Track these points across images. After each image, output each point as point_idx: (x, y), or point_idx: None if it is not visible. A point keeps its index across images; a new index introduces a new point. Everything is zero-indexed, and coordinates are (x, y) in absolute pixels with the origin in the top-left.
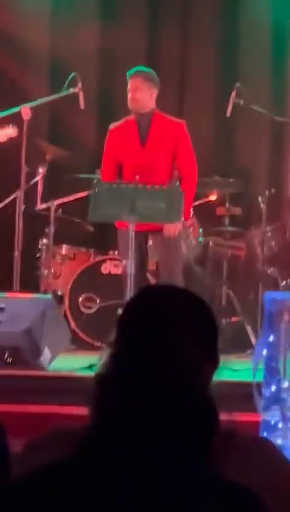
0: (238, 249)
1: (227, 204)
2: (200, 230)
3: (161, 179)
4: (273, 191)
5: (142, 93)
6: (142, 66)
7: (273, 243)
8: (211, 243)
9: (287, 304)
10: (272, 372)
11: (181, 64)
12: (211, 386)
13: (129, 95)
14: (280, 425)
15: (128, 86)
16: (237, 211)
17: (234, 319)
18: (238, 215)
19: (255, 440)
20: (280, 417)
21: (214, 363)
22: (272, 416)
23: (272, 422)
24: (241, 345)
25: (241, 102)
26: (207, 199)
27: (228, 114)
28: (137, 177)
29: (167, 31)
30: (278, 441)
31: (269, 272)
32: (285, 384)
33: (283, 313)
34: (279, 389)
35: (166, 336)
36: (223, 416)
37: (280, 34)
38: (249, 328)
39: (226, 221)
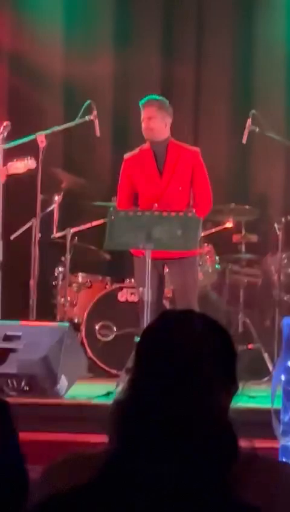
0: (255, 276)
1: (243, 232)
2: (217, 257)
3: (178, 206)
4: (289, 217)
5: (156, 122)
6: (154, 95)
7: (289, 270)
8: (227, 270)
9: None
10: None
11: (196, 91)
12: (230, 412)
13: (143, 125)
14: None
15: (142, 115)
16: (253, 238)
17: (250, 346)
18: (254, 242)
19: (275, 464)
20: None
21: (233, 388)
22: None
23: None
24: (258, 371)
25: (257, 129)
26: (223, 226)
27: (244, 141)
28: (156, 205)
29: (181, 58)
30: None
31: (285, 298)
32: None
33: None
34: None
35: (184, 361)
36: (243, 443)
37: None
38: (266, 355)
39: (243, 248)
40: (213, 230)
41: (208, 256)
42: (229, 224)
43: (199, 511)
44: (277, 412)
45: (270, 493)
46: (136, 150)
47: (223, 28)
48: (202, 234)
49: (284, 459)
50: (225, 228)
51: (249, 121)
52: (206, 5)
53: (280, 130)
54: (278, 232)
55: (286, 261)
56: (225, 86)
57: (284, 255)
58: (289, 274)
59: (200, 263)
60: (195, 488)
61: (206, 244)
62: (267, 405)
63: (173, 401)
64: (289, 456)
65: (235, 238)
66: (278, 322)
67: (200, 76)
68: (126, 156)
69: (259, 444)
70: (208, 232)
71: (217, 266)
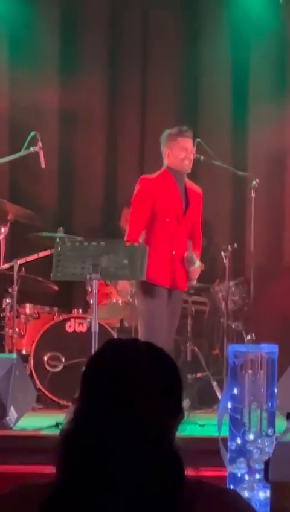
0: (203, 304)
1: None
2: None
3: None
4: (235, 245)
5: (192, 156)
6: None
7: (237, 298)
8: None
9: (251, 357)
10: (237, 425)
11: (141, 121)
12: (177, 441)
13: (184, 155)
14: (247, 477)
15: (184, 145)
16: (201, 266)
17: (199, 374)
18: (201, 271)
19: (221, 491)
20: (246, 469)
21: (178, 417)
22: (239, 468)
23: (239, 475)
24: (208, 400)
25: (202, 158)
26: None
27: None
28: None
29: (126, 89)
30: (245, 493)
31: (233, 326)
32: (250, 437)
33: (247, 365)
34: (244, 442)
35: (128, 391)
36: (190, 471)
37: (240, 90)
38: (214, 383)
39: None
40: None
41: None
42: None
43: None
44: (224, 440)
45: None
46: (155, 175)
47: (168, 57)
48: None
49: (231, 486)
50: None
51: (194, 149)
52: (151, 35)
53: (225, 158)
54: (225, 260)
55: (233, 288)
56: (170, 115)
57: (231, 283)
58: (236, 302)
59: None
60: None
61: None
62: (216, 433)
63: (116, 431)
64: (237, 483)
65: None
66: (226, 350)
67: (146, 107)
68: (147, 178)
69: (207, 472)
70: None
71: None
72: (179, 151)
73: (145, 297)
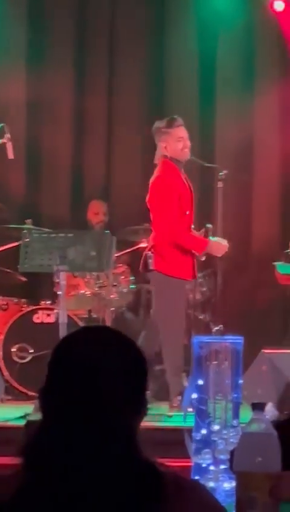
0: None
1: None
2: (132, 277)
3: None
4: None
5: (189, 142)
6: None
7: (204, 289)
8: (142, 290)
9: (215, 348)
10: (202, 415)
11: (108, 114)
12: (142, 432)
13: (183, 144)
14: (212, 468)
15: (179, 134)
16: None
17: None
18: None
19: (186, 482)
20: (211, 460)
21: (143, 408)
22: (204, 459)
23: (204, 465)
24: None
25: None
26: (138, 246)
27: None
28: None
29: (94, 82)
30: (210, 484)
31: (201, 317)
32: (215, 427)
33: (211, 356)
34: (209, 432)
35: (93, 380)
36: (156, 462)
37: (207, 81)
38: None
39: None
40: (127, 250)
41: (122, 277)
42: (143, 244)
43: None
44: (190, 431)
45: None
46: (167, 169)
47: (135, 47)
48: (116, 254)
49: (196, 477)
50: (139, 248)
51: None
52: (118, 24)
53: (193, 150)
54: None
55: (200, 280)
56: (137, 105)
57: (199, 274)
58: (204, 293)
59: (115, 284)
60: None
61: (120, 264)
62: (182, 424)
63: (79, 421)
64: (202, 473)
65: None
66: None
67: (113, 99)
68: (168, 173)
69: (173, 462)
70: (122, 252)
71: (131, 286)
72: (175, 143)
73: (167, 290)
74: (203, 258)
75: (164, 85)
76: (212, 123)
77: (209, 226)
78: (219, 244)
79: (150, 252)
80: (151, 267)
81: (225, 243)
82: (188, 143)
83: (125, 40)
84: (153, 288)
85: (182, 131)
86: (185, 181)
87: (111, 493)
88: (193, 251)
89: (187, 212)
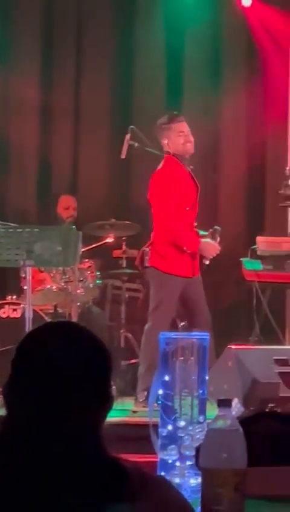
0: (136, 290)
1: (124, 247)
2: (98, 273)
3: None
4: None
5: (192, 137)
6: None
7: None
8: (108, 285)
9: (182, 344)
10: (168, 411)
11: (75, 109)
12: (107, 427)
13: (184, 139)
14: (178, 464)
15: (180, 129)
16: (134, 253)
17: (133, 360)
18: (135, 257)
19: (152, 479)
20: (177, 456)
21: (107, 404)
22: (170, 455)
23: (170, 461)
24: None
25: (136, 144)
26: (104, 242)
27: (123, 156)
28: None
29: (61, 76)
30: (176, 480)
31: None
32: (181, 423)
33: (178, 352)
34: (175, 428)
35: (57, 375)
36: (121, 458)
37: (174, 76)
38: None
39: (124, 263)
40: (94, 245)
41: (88, 272)
42: (109, 240)
43: None
44: (155, 426)
45: (149, 508)
46: (170, 165)
47: (102, 42)
48: (82, 249)
49: (162, 473)
50: (106, 243)
51: (127, 136)
52: (85, 19)
53: (159, 144)
54: None
55: None
56: (104, 102)
57: None
58: None
59: (81, 279)
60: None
61: (86, 259)
62: (148, 420)
63: (43, 417)
64: (168, 470)
65: (116, 253)
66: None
67: (80, 94)
68: (170, 169)
69: (138, 458)
70: (88, 248)
71: (98, 281)
72: (177, 138)
73: (161, 287)
74: (207, 262)
75: (132, 81)
76: None
77: (217, 228)
78: (211, 245)
79: (147, 249)
80: (146, 264)
81: (216, 244)
82: (191, 138)
83: (92, 35)
84: (150, 284)
85: (182, 126)
86: (188, 176)
87: (76, 491)
88: (185, 248)
89: (187, 208)
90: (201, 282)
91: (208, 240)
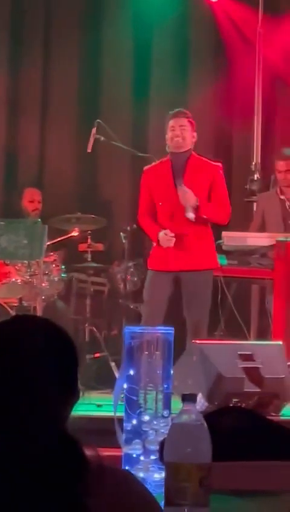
0: (101, 284)
1: (89, 241)
2: (63, 266)
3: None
4: (135, 226)
5: (187, 133)
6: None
7: (136, 279)
8: (74, 279)
9: (147, 338)
10: (132, 405)
11: (42, 101)
12: (72, 421)
13: (172, 133)
14: (142, 458)
15: (171, 124)
16: (99, 246)
17: (97, 354)
18: (100, 251)
19: (114, 471)
20: (141, 450)
21: (73, 398)
22: (134, 449)
23: (134, 456)
24: (105, 380)
25: (102, 138)
26: (69, 235)
27: (89, 150)
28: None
29: (28, 67)
30: (140, 474)
31: (132, 307)
32: (146, 418)
33: (143, 346)
34: (140, 423)
35: (23, 364)
36: (87, 451)
37: (142, 71)
38: (112, 364)
39: (89, 257)
40: (59, 239)
41: (54, 265)
42: (74, 233)
43: None
44: (120, 421)
45: (113, 502)
46: (157, 162)
47: (70, 37)
48: (48, 243)
49: (127, 467)
50: (71, 237)
51: (94, 130)
52: (53, 15)
53: (126, 139)
54: (123, 241)
55: (132, 269)
56: (71, 95)
57: (130, 264)
58: (135, 283)
59: (46, 272)
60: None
61: (52, 253)
62: (112, 414)
63: (7, 410)
64: (132, 464)
65: (82, 247)
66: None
67: (47, 87)
68: (146, 167)
69: (104, 452)
70: (53, 241)
71: (63, 275)
72: (168, 133)
73: (147, 284)
74: (191, 215)
75: (99, 75)
76: (146, 114)
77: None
78: (166, 238)
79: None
80: None
81: (172, 236)
82: (180, 133)
83: (60, 30)
84: None
85: (174, 121)
86: (168, 171)
87: (38, 484)
88: (154, 243)
89: (160, 204)
90: (200, 282)
91: (167, 231)
